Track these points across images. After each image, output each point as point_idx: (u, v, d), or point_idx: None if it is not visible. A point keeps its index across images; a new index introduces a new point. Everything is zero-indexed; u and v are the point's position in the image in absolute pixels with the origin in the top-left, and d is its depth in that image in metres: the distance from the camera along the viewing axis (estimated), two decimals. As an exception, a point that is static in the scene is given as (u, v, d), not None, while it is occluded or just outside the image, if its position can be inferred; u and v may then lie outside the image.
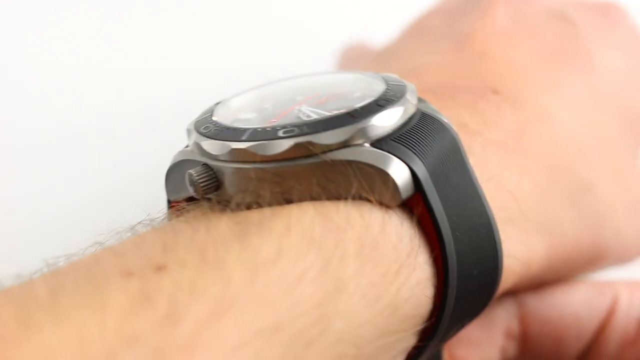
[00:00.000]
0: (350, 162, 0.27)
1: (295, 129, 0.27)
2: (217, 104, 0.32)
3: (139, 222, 0.29)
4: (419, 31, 0.43)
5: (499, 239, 0.30)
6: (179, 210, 0.29)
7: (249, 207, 0.27)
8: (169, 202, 0.31)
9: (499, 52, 0.38)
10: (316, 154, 0.27)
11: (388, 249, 0.27)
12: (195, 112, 0.31)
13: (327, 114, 0.28)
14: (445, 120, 0.30)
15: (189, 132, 0.30)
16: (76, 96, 0.56)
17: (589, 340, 0.37)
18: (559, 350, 0.37)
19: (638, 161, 0.41)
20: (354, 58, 0.48)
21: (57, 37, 0.59)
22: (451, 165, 0.29)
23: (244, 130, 0.28)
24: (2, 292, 0.24)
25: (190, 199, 0.30)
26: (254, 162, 0.27)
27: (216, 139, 0.28)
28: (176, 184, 0.30)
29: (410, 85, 0.30)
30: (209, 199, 0.28)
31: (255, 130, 0.28)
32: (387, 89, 0.30)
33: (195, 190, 0.28)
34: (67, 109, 0.55)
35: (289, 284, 0.24)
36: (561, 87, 0.38)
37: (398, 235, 0.27)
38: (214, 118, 0.30)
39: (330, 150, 0.27)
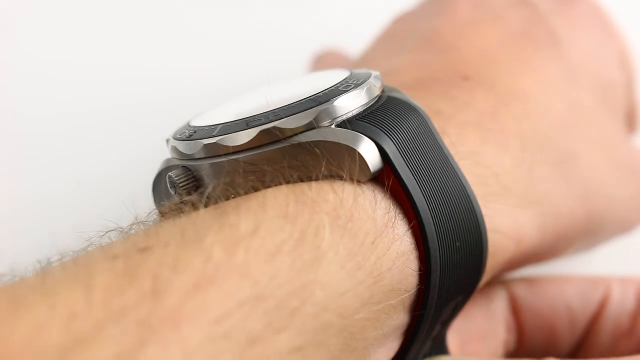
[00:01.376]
0: (317, 143, 0.28)
1: (262, 118, 0.29)
2: (195, 116, 0.33)
3: (128, 226, 0.30)
4: (389, 36, 0.45)
5: (480, 212, 0.30)
6: (164, 212, 0.30)
7: (227, 199, 0.28)
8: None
9: (466, 42, 0.39)
10: (283, 139, 0.28)
11: (363, 220, 0.28)
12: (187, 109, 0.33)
13: (292, 101, 0.30)
14: (415, 103, 0.31)
15: (168, 142, 0.31)
16: (72, 93, 0.57)
17: (582, 333, 0.37)
18: (552, 343, 0.37)
19: (620, 128, 0.42)
20: (328, 65, 0.49)
21: (56, 36, 0.60)
22: (423, 143, 0.30)
23: (216, 126, 0.29)
24: None
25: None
26: (227, 154, 0.28)
27: (190, 140, 0.29)
28: (162, 193, 0.31)
29: (375, 73, 0.31)
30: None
31: (225, 125, 0.29)
32: (350, 76, 0.31)
33: (177, 192, 0.29)
34: (63, 106, 0.56)
35: (267, 256, 0.25)
36: (531, 66, 0.39)
37: (372, 207, 0.28)
38: (191, 124, 0.31)
39: (297, 135, 0.28)
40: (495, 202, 0.33)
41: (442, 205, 0.29)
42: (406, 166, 0.28)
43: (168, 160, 0.31)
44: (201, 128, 0.30)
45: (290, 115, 0.28)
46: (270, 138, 0.28)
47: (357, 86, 0.30)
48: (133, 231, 0.28)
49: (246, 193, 0.28)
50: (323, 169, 0.28)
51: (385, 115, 0.29)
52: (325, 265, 0.26)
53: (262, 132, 0.28)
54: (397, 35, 0.44)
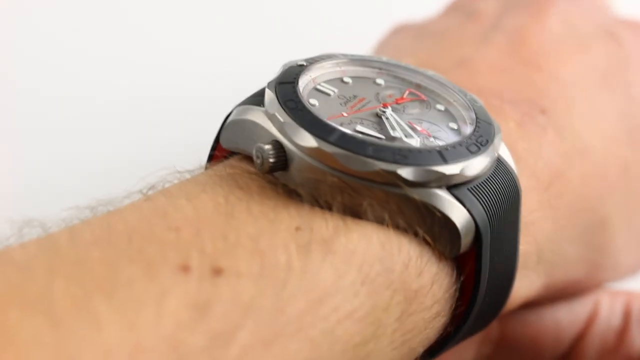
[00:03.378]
0: (426, 204, 0.27)
1: (385, 150, 0.27)
2: (301, 65, 0.30)
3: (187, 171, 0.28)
4: (468, 12, 0.42)
5: (514, 284, 0.31)
6: (234, 169, 0.28)
7: (311, 203, 0.27)
8: (213, 150, 0.30)
9: (550, 65, 0.38)
10: (397, 185, 0.26)
11: (429, 299, 0.27)
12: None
13: (412, 142, 0.28)
14: (515, 171, 0.30)
15: (268, 93, 0.28)
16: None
17: (567, 347, 0.38)
18: (534, 354, 0.38)
19: None
20: (396, 30, 0.46)
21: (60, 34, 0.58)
22: (508, 218, 0.29)
23: (332, 129, 0.27)
24: (53, 250, 0.23)
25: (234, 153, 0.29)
26: (334, 168, 0.26)
27: (300, 126, 0.27)
28: (234, 135, 0.29)
29: (496, 125, 0.30)
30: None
31: (344, 134, 0.27)
32: (477, 127, 0.29)
33: (262, 166, 0.27)
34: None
35: (335, 321, 0.25)
36: (602, 118, 0.38)
37: (443, 291, 0.28)
38: (298, 87, 0.29)
39: (412, 185, 0.27)
40: (523, 270, 0.33)
41: (493, 285, 0.29)
42: (488, 254, 0.28)
43: (259, 114, 0.28)
44: (312, 116, 0.27)
45: (415, 165, 0.26)
46: (386, 178, 0.26)
47: (482, 149, 0.28)
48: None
49: (336, 211, 0.27)
50: (420, 231, 0.27)
51: (492, 187, 0.28)
52: (381, 340, 0.26)
53: (383, 170, 0.26)
54: (477, 14, 0.41)
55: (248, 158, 0.29)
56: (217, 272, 0.23)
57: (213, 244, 0.24)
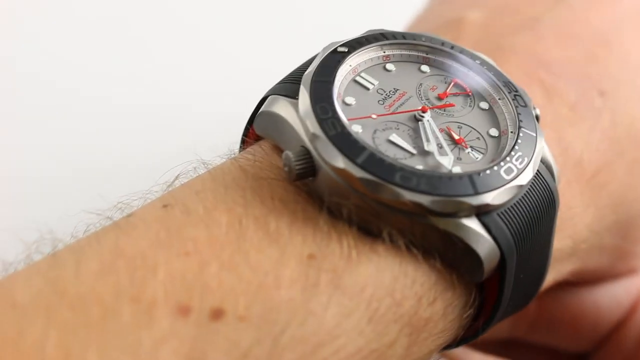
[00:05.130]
0: (449, 233, 0.26)
1: (413, 178, 0.26)
2: (341, 52, 0.28)
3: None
4: None
5: (543, 283, 0.31)
6: (260, 170, 0.27)
7: (332, 217, 0.26)
8: (245, 134, 0.30)
9: (620, 42, 0.35)
10: (422, 213, 0.26)
11: (440, 328, 0.27)
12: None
13: (444, 161, 0.27)
14: (554, 182, 0.29)
15: (302, 91, 0.27)
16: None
17: (606, 332, 0.37)
18: (571, 337, 0.37)
19: None
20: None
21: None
22: (542, 231, 0.29)
23: (362, 148, 0.26)
24: (55, 289, 0.23)
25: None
26: (359, 190, 0.26)
27: (330, 141, 0.26)
28: (266, 125, 0.28)
29: (539, 133, 0.28)
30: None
31: (373, 155, 0.26)
32: (517, 139, 0.28)
33: (289, 174, 0.26)
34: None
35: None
36: None
37: (455, 315, 0.28)
38: (334, 86, 0.27)
39: (439, 215, 0.26)
40: (556, 264, 0.33)
41: (518, 293, 0.29)
42: (513, 278, 0.28)
43: (291, 112, 0.27)
44: (345, 132, 0.26)
45: (442, 196, 0.26)
46: (410, 207, 0.26)
47: (520, 172, 0.27)
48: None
49: (356, 229, 0.26)
50: (440, 260, 0.26)
51: (524, 209, 0.27)
52: None
53: (409, 200, 0.25)
54: None
55: (278, 148, 0.28)
56: (217, 315, 0.23)
57: (218, 280, 0.24)
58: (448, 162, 0.27)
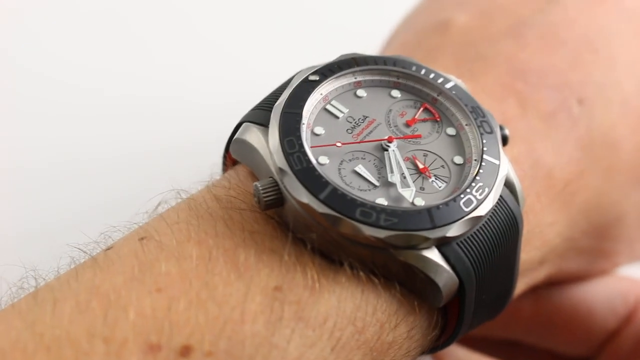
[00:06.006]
0: (408, 264, 0.27)
1: (373, 214, 0.27)
2: (312, 81, 0.30)
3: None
4: None
5: (511, 298, 0.32)
6: (233, 199, 0.29)
7: (298, 246, 0.28)
8: (224, 157, 0.31)
9: (608, 47, 0.36)
10: (382, 247, 0.27)
11: (405, 349, 0.29)
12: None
13: (405, 193, 0.28)
14: (518, 207, 0.30)
15: (272, 123, 0.29)
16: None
17: (602, 340, 0.38)
18: (566, 340, 0.38)
19: None
20: None
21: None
22: (504, 253, 0.30)
23: (325, 184, 0.27)
24: (33, 331, 0.24)
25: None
26: (322, 223, 0.27)
27: (295, 176, 0.27)
28: (240, 151, 0.30)
29: (504, 161, 0.29)
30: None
31: (335, 191, 0.27)
32: (480, 169, 0.29)
33: (259, 203, 0.28)
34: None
35: None
36: (635, 111, 0.36)
37: (420, 335, 0.29)
38: (302, 117, 0.29)
39: (399, 248, 0.27)
40: (528, 273, 0.34)
41: (484, 306, 0.30)
42: (474, 296, 0.29)
43: (262, 143, 0.29)
44: (309, 164, 0.28)
45: (400, 231, 0.27)
46: (371, 241, 0.27)
47: (479, 203, 0.28)
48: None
49: (319, 259, 0.28)
50: (402, 286, 0.28)
51: (484, 237, 0.29)
52: None
53: (368, 235, 0.27)
54: None
55: (253, 174, 0.30)
56: (185, 352, 0.25)
57: (186, 317, 0.25)
58: (409, 195, 0.28)
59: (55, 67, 0.54)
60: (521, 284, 0.34)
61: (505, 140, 0.30)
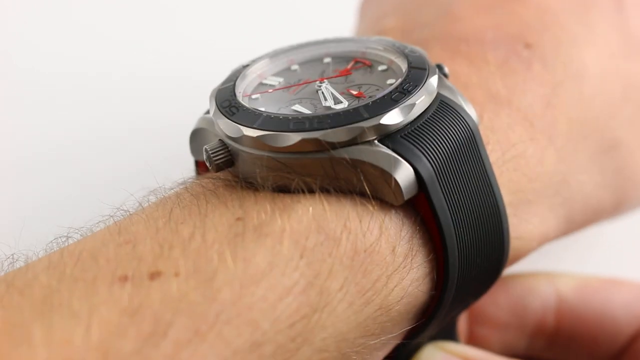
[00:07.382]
0: (355, 161, 0.27)
1: (305, 122, 0.28)
2: (246, 66, 0.32)
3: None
4: None
5: (507, 226, 0.30)
6: (200, 177, 0.30)
7: (256, 188, 0.28)
8: (195, 161, 0.33)
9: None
10: (324, 150, 0.27)
11: (383, 255, 0.28)
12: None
13: (338, 106, 0.29)
14: (467, 109, 0.30)
15: (210, 99, 0.31)
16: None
17: (622, 347, 0.36)
18: (590, 351, 0.36)
19: None
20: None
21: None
22: (465, 157, 0.29)
23: (258, 115, 0.29)
24: (5, 282, 0.25)
25: None
26: (264, 150, 0.28)
27: (231, 120, 0.29)
28: (198, 146, 0.31)
29: (432, 69, 0.30)
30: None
31: (268, 117, 0.28)
32: (407, 76, 0.30)
33: (210, 165, 0.29)
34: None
35: (274, 299, 0.25)
36: (592, 35, 0.36)
37: (397, 238, 0.28)
38: (237, 91, 0.30)
39: (339, 146, 0.27)
40: (526, 209, 0.33)
41: (470, 226, 0.29)
42: (441, 192, 0.28)
43: (206, 121, 0.31)
44: (243, 109, 0.29)
45: (335, 127, 0.27)
46: (311, 146, 0.28)
47: (409, 95, 0.29)
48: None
49: (275, 190, 0.28)
50: (357, 187, 0.28)
51: (431, 130, 0.29)
52: (332, 307, 0.26)
53: (304, 139, 0.27)
54: None
55: None
56: (154, 276, 0.25)
57: (152, 252, 0.26)
58: (343, 107, 0.29)
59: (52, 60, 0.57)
60: (533, 229, 0.32)
61: (445, 76, 0.31)
